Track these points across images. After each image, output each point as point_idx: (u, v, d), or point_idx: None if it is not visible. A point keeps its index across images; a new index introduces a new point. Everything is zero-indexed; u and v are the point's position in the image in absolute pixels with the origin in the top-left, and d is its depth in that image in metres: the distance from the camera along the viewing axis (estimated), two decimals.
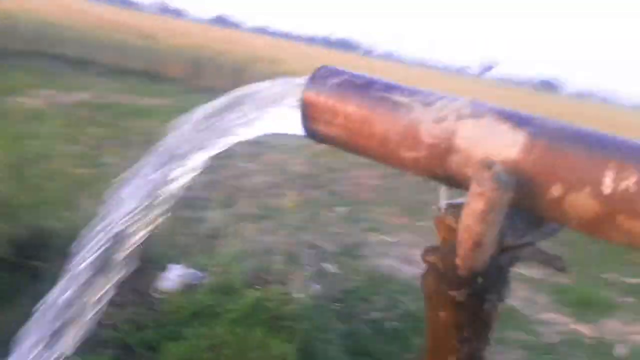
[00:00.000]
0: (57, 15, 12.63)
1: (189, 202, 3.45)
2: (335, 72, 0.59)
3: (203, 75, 11.82)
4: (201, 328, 2.10)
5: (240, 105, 0.70)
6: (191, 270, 2.45)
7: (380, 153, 0.56)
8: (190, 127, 0.82)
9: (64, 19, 12.42)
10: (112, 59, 11.24)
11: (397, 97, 0.54)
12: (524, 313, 3.16)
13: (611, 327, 3.13)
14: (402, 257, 3.75)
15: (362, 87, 0.56)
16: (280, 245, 3.28)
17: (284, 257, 3.02)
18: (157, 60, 11.87)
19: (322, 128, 0.59)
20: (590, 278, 3.86)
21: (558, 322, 3.11)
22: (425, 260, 0.59)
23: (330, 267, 3.33)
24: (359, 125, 0.56)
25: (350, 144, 0.58)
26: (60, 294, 0.85)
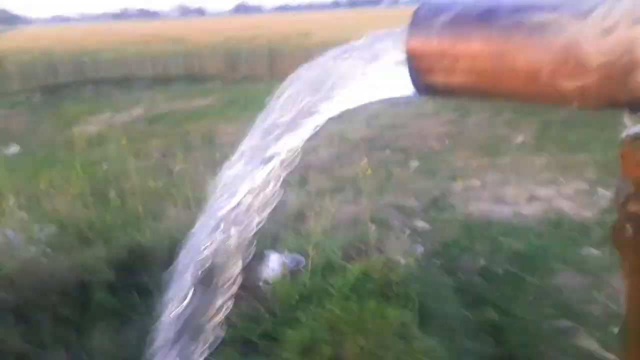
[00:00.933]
0: (88, 42, 13.00)
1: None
2: (440, 9, 0.48)
3: (239, 66, 11.84)
4: (315, 310, 2.05)
5: (331, 74, 0.60)
6: (290, 255, 2.40)
7: (527, 91, 0.45)
8: (280, 104, 0.71)
9: (93, 43, 12.77)
10: (151, 70, 11.47)
11: (538, 17, 0.43)
12: None
13: None
14: (492, 198, 3.56)
15: (484, 16, 0.45)
16: (365, 213, 3.18)
17: (374, 224, 2.92)
18: (192, 62, 12.01)
19: (440, 79, 0.48)
20: None
21: None
22: (624, 211, 0.48)
23: (422, 224, 3.20)
24: (492, 64, 0.44)
25: (482, 89, 0.47)
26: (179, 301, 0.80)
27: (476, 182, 3.82)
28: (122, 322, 2.11)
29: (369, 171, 2.95)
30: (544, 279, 2.63)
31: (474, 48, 0.44)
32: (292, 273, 2.33)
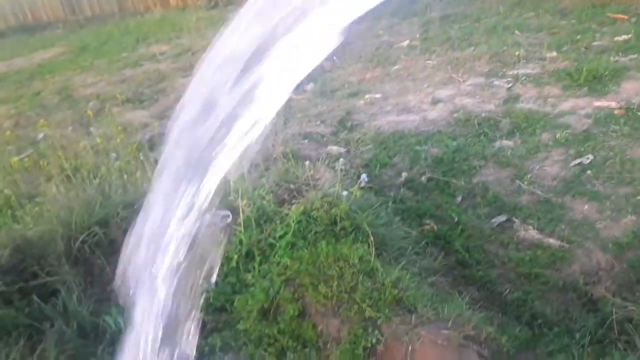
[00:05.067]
0: None
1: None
2: None
3: (81, 7, 10.36)
4: (261, 267, 1.83)
5: None
6: (212, 211, 2.11)
7: None
8: None
9: None
10: None
11: None
12: (545, 111, 3.02)
13: (630, 89, 3.04)
14: (397, 109, 3.49)
15: None
16: (276, 147, 2.94)
17: (290, 159, 2.70)
18: (23, 10, 10.29)
19: None
20: (584, 50, 3.72)
21: (580, 105, 2.99)
22: None
23: (337, 149, 3.05)
24: None
25: None
26: None
27: (376, 95, 3.72)
28: (29, 337, 1.74)
29: None
30: (467, 179, 2.65)
31: None
32: (222, 231, 2.07)
